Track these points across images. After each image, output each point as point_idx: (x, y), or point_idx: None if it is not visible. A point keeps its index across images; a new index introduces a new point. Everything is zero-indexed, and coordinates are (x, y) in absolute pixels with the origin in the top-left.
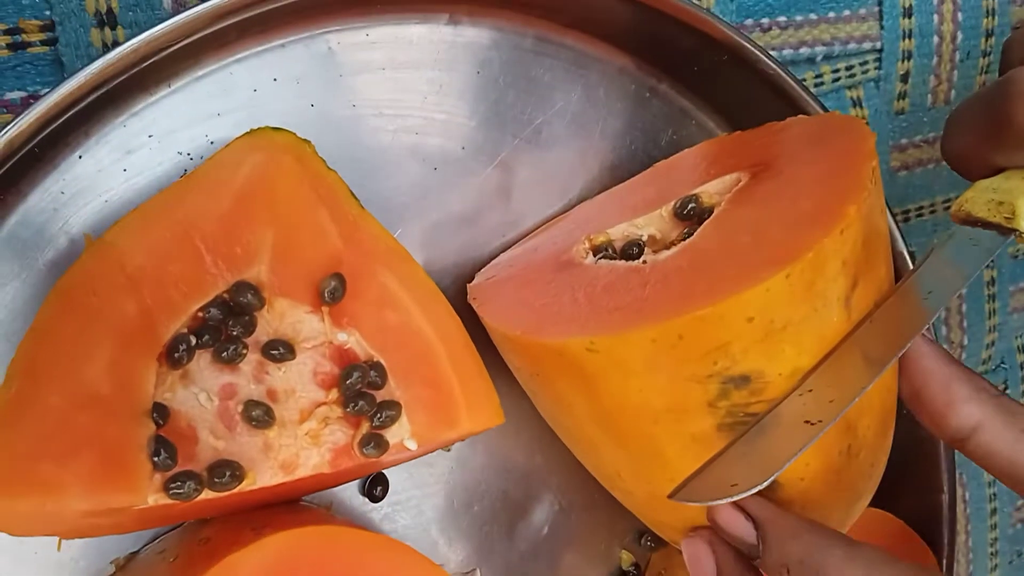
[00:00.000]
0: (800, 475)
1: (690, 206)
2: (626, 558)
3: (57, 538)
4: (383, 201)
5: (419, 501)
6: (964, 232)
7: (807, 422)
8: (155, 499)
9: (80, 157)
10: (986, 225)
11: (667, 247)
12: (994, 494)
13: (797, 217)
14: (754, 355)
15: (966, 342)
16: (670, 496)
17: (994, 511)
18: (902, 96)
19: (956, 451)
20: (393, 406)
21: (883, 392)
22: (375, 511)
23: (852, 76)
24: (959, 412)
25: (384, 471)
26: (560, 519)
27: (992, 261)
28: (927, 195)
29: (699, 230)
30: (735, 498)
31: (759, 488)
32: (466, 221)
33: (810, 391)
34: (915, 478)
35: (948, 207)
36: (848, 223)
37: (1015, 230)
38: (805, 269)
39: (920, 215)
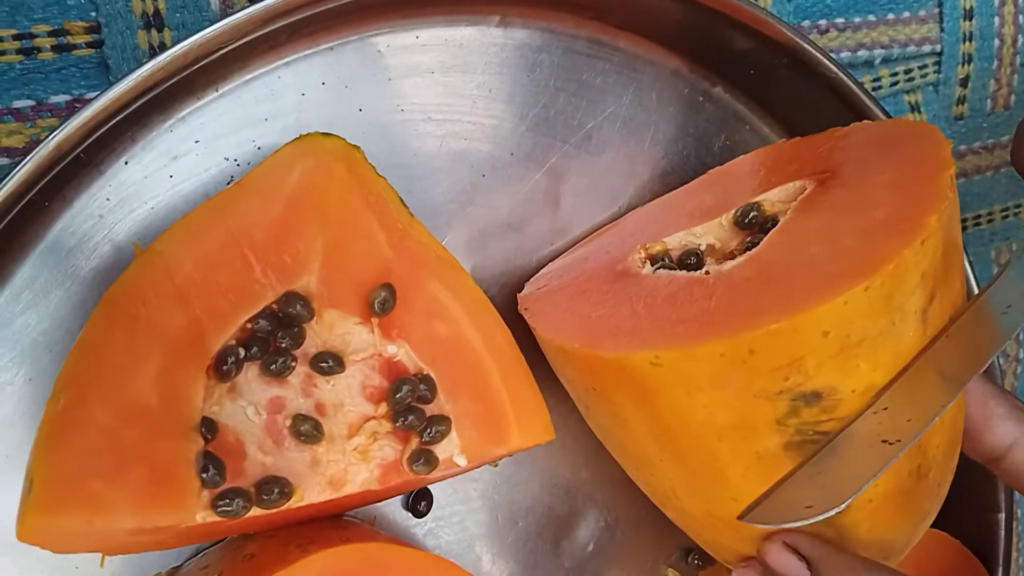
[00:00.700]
0: (868, 496)
1: (752, 214)
2: None
3: (100, 554)
4: (430, 208)
5: (463, 516)
6: None
7: (884, 441)
8: (203, 516)
9: (126, 163)
10: None
11: (728, 257)
12: None
13: (873, 227)
14: (827, 371)
15: (1022, 355)
16: (740, 518)
17: None
18: (961, 101)
19: None
20: (443, 421)
21: (953, 410)
22: (419, 526)
23: (911, 80)
24: (995, 430)
25: (428, 486)
26: (606, 536)
27: None
28: (985, 203)
29: (765, 239)
30: (810, 521)
31: (836, 511)
32: (514, 228)
33: (885, 409)
34: (971, 497)
35: (1007, 216)
36: (929, 233)
37: None
38: (885, 281)
39: (978, 224)
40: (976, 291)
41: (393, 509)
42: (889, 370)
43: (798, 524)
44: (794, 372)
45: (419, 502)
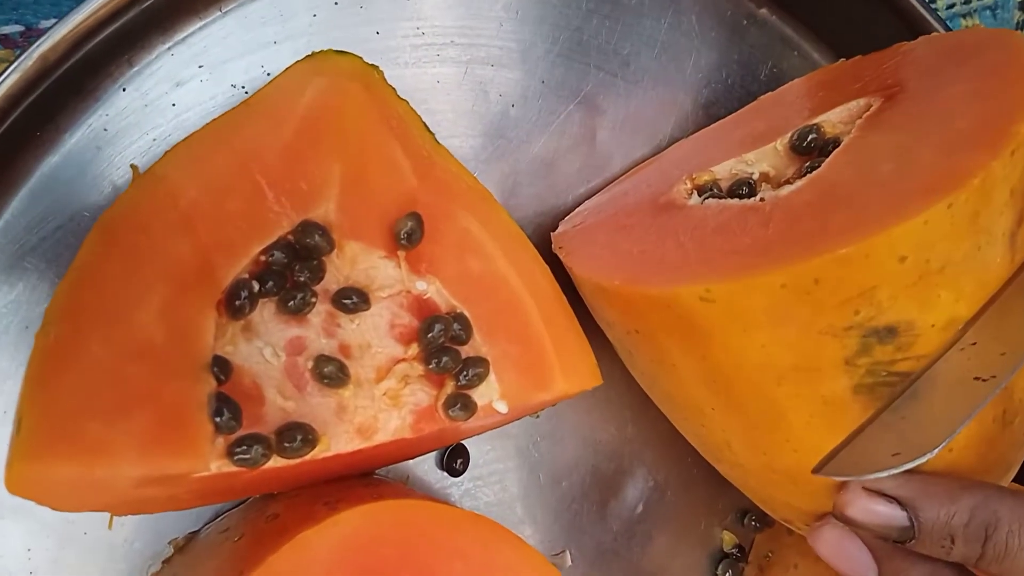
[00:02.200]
0: (948, 446)
1: (810, 137)
2: (728, 539)
3: (108, 516)
4: (455, 141)
5: (502, 476)
6: None
7: (977, 378)
8: (218, 465)
9: (124, 90)
10: None
11: (785, 184)
12: None
13: (954, 139)
14: (904, 302)
15: None
16: (815, 471)
17: None
18: (1020, 25)
19: None
20: (480, 363)
21: None
22: (455, 486)
23: (967, 3)
24: None
25: (464, 442)
26: (655, 497)
27: None
28: None
29: (827, 161)
30: (898, 470)
31: (929, 456)
32: (547, 165)
33: (974, 344)
34: None
35: None
36: (1019, 143)
37: None
38: (970, 198)
39: None
40: None
41: (427, 468)
42: (973, 301)
43: (884, 474)
44: (865, 304)
45: (455, 460)
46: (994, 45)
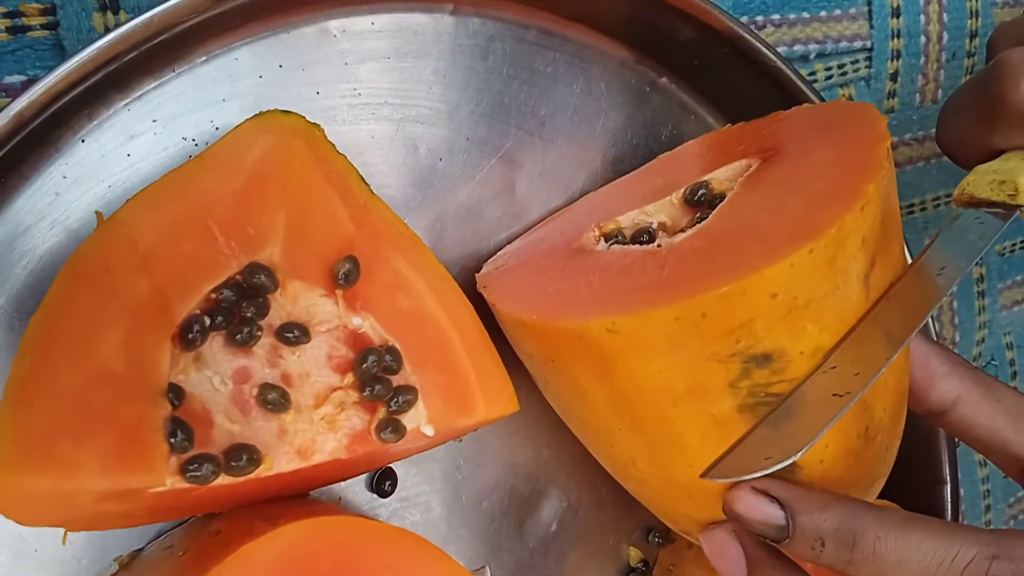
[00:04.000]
0: (819, 457)
1: (700, 192)
2: (634, 555)
3: (61, 532)
4: (388, 191)
5: (428, 497)
6: (969, 213)
7: (835, 395)
8: (172, 482)
9: (83, 141)
10: (990, 205)
11: (679, 233)
12: (988, 490)
13: (816, 195)
14: (777, 332)
15: (958, 339)
16: (702, 475)
17: (988, 507)
18: (891, 95)
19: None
20: (410, 391)
21: (897, 374)
22: (383, 507)
23: (844, 74)
24: (939, 387)
25: (393, 465)
26: (568, 516)
27: (981, 259)
28: (917, 193)
29: (714, 212)
30: (770, 470)
31: (795, 458)
32: (471, 213)
33: (834, 368)
34: (916, 469)
35: (938, 205)
36: (867, 200)
37: (1019, 206)
38: (828, 244)
39: (911, 212)
40: None
41: (358, 490)
42: (836, 332)
43: (759, 474)
44: (745, 334)
45: (384, 482)
46: (854, 116)
